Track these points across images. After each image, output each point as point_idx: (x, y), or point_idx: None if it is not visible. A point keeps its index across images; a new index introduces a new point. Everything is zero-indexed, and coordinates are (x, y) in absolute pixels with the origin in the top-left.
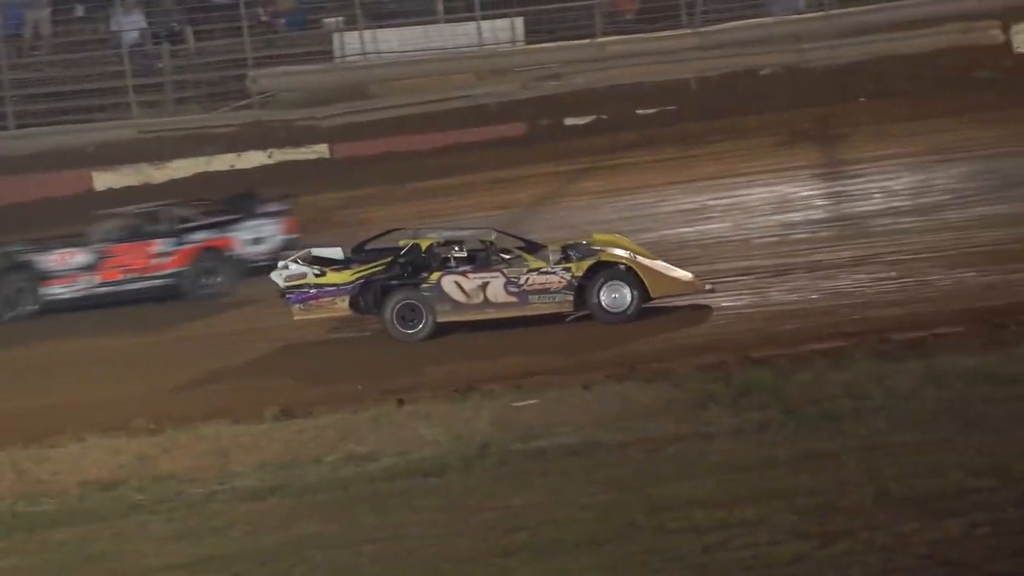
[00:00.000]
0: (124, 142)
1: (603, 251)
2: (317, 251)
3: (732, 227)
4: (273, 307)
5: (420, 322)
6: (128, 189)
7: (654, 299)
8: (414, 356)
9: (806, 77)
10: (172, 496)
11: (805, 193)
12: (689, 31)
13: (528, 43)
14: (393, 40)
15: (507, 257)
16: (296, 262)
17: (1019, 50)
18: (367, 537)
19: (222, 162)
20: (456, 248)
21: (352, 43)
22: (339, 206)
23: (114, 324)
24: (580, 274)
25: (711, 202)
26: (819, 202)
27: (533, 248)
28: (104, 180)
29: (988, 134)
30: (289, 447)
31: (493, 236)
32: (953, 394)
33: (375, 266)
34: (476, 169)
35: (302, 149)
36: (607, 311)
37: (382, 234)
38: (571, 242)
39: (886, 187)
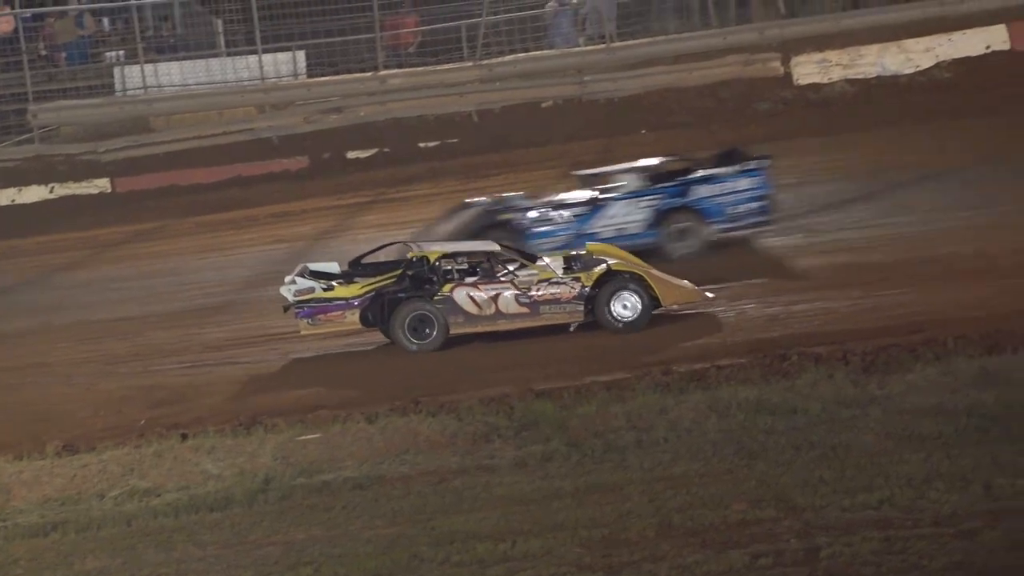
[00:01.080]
0: None
1: (610, 261)
2: (314, 266)
3: None
4: (59, 340)
5: (431, 334)
6: None
7: (664, 308)
8: (196, 389)
9: (588, 109)
10: None
11: None
12: (471, 64)
13: (310, 76)
14: (175, 74)
15: (512, 268)
16: (303, 276)
17: (799, 82)
18: (151, 572)
19: (3, 197)
20: (459, 260)
21: (133, 77)
22: (122, 240)
23: None
24: (590, 284)
25: None
26: None
27: (531, 259)
28: None
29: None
30: (72, 482)
31: (496, 248)
32: (735, 425)
33: (385, 279)
34: (258, 202)
35: (84, 183)
36: (617, 321)
37: (377, 248)
38: (572, 253)
39: None
